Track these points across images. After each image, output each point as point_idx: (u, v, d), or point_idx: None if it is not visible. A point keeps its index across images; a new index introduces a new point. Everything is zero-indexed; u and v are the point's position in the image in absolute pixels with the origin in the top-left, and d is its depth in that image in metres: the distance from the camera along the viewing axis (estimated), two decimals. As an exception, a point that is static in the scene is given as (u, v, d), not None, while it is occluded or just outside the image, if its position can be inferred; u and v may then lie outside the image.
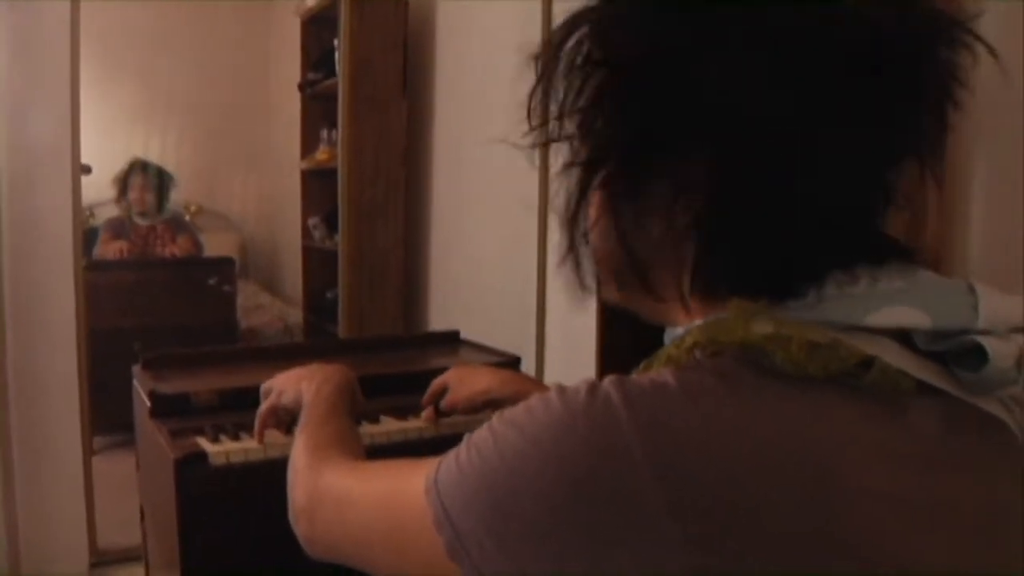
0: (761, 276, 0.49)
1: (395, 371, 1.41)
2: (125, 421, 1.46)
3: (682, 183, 0.49)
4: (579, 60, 0.51)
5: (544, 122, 0.53)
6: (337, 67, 2.68)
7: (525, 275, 2.09)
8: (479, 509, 0.48)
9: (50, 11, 2.10)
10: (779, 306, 0.48)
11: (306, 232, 3.30)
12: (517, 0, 2.10)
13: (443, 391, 1.16)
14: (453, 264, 2.59)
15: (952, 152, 1.03)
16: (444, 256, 2.64)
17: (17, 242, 2.11)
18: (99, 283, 2.90)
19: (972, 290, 0.49)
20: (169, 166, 3.73)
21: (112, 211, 3.62)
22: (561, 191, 0.53)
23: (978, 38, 0.49)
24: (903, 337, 0.48)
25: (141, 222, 3.56)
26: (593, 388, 0.47)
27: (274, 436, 1.08)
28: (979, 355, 0.46)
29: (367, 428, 1.16)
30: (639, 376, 0.48)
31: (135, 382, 1.33)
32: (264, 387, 1.05)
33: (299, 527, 0.71)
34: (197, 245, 3.66)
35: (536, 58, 0.52)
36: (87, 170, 2.27)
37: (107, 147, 3.57)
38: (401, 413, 1.22)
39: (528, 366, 1.76)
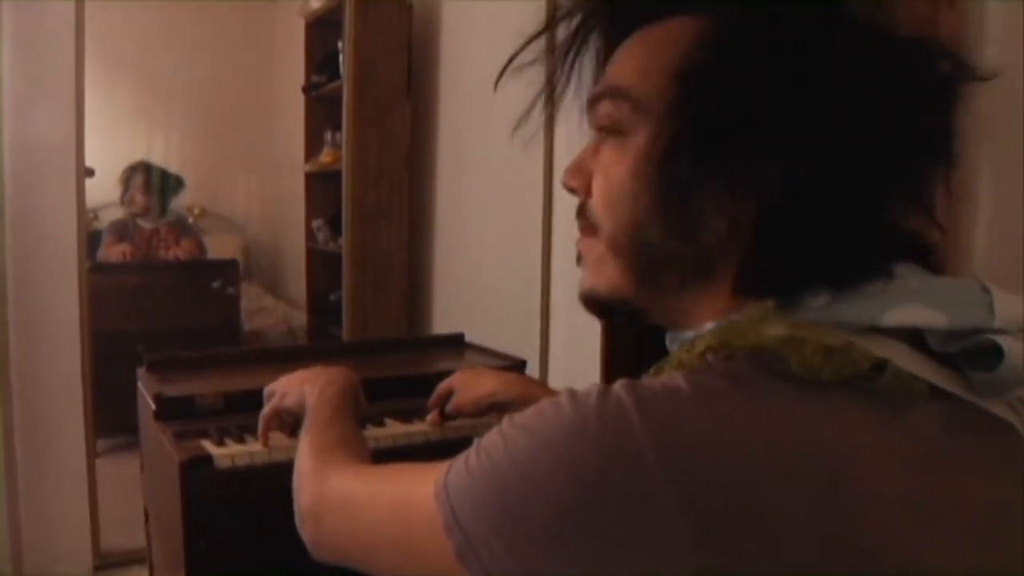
0: (807, 276, 0.50)
1: (399, 374, 1.40)
2: (129, 423, 1.45)
3: (755, 181, 0.50)
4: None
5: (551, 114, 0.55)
6: (341, 69, 2.68)
7: (529, 277, 2.09)
8: (489, 513, 0.48)
9: (54, 12, 2.09)
10: (793, 307, 0.49)
11: (310, 234, 3.30)
12: (521, 1, 2.10)
13: (448, 394, 1.15)
14: (457, 266, 2.59)
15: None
16: (448, 258, 2.64)
17: (21, 244, 2.11)
18: (103, 286, 2.90)
19: (986, 289, 0.50)
20: (173, 168, 3.74)
21: (116, 213, 3.62)
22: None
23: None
24: (915, 339, 0.49)
25: (145, 225, 3.57)
26: (604, 392, 0.47)
27: (278, 439, 1.08)
28: (994, 354, 0.47)
29: (372, 431, 1.16)
30: (650, 380, 0.48)
31: (139, 384, 1.33)
32: (267, 390, 1.05)
33: (305, 530, 0.71)
34: (201, 248, 3.66)
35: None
36: (90, 173, 2.27)
37: (110, 149, 3.57)
38: (406, 416, 1.21)
39: (532, 369, 1.75)
